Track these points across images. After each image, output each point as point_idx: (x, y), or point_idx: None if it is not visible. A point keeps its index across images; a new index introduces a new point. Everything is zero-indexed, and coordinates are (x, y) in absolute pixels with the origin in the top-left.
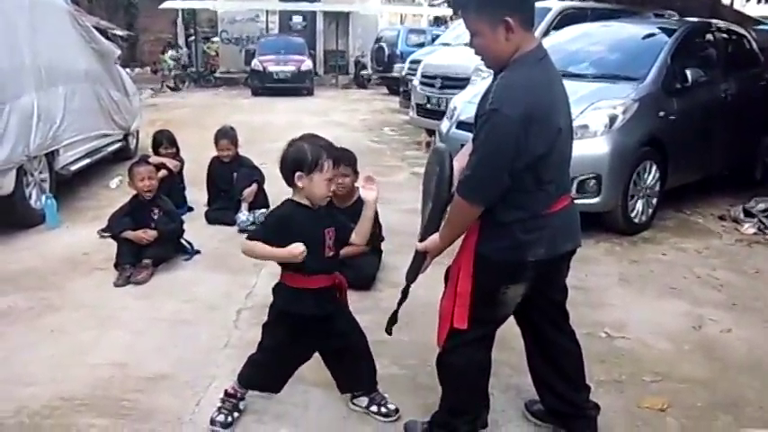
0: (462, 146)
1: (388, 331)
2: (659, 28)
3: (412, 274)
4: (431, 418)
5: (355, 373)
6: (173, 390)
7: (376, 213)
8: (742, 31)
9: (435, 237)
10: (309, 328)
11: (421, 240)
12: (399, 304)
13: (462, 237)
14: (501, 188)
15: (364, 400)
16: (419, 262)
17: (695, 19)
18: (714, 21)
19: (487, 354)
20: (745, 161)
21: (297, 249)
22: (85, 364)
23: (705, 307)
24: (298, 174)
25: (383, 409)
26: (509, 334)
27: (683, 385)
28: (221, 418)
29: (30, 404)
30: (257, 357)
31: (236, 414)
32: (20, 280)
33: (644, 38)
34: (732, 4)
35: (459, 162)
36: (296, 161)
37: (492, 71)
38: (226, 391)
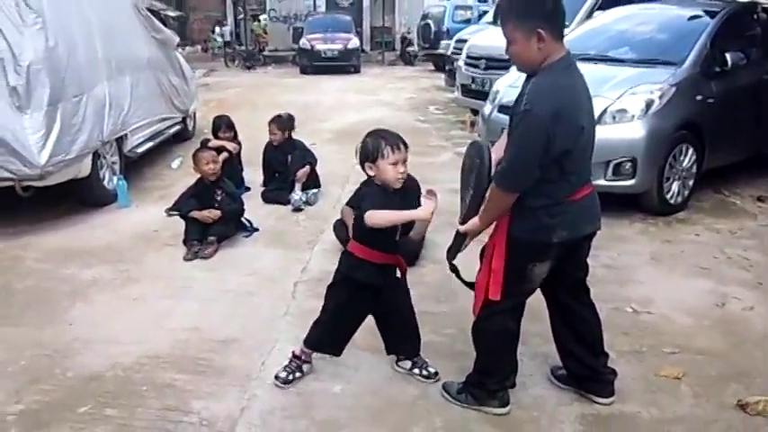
0: (503, 129)
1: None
2: (702, 10)
3: (452, 253)
4: (465, 378)
5: (401, 339)
6: (241, 352)
7: (420, 194)
8: None
9: (475, 220)
10: (366, 293)
11: (462, 223)
12: (458, 276)
13: (497, 220)
14: (532, 178)
15: (408, 364)
16: (460, 242)
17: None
18: (760, 1)
19: (517, 323)
20: None
21: (430, 208)
22: (165, 328)
23: (731, 286)
24: (367, 165)
25: (424, 372)
26: (541, 308)
27: (699, 357)
28: (283, 375)
29: (122, 361)
30: (320, 318)
31: (297, 374)
32: (101, 254)
33: (685, 21)
34: None
35: (496, 153)
36: (363, 155)
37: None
38: (293, 352)
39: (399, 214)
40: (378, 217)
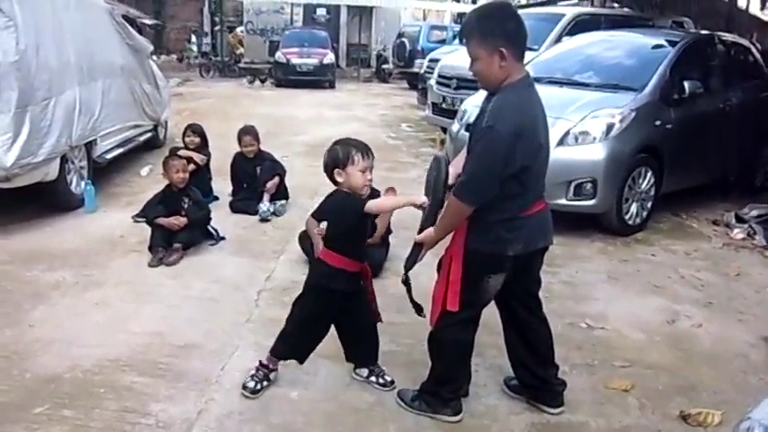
0: None
1: (422, 314)
2: (665, 39)
3: (409, 263)
4: (420, 386)
5: (362, 345)
6: (202, 356)
7: None
8: (746, 43)
9: (431, 230)
10: (337, 301)
11: (419, 233)
12: (409, 292)
13: (453, 233)
14: (492, 192)
15: (365, 371)
16: (416, 253)
17: (704, 31)
18: (719, 33)
19: (471, 334)
20: (745, 169)
21: (420, 198)
22: (127, 332)
23: (682, 304)
24: (336, 171)
25: (380, 380)
26: (497, 322)
27: (648, 371)
28: (251, 384)
29: (82, 363)
30: (288, 329)
31: (265, 383)
32: (66, 258)
33: (648, 49)
34: (748, 9)
35: (455, 168)
36: (332, 160)
37: (487, 92)
38: (260, 361)
39: (396, 199)
40: (378, 204)
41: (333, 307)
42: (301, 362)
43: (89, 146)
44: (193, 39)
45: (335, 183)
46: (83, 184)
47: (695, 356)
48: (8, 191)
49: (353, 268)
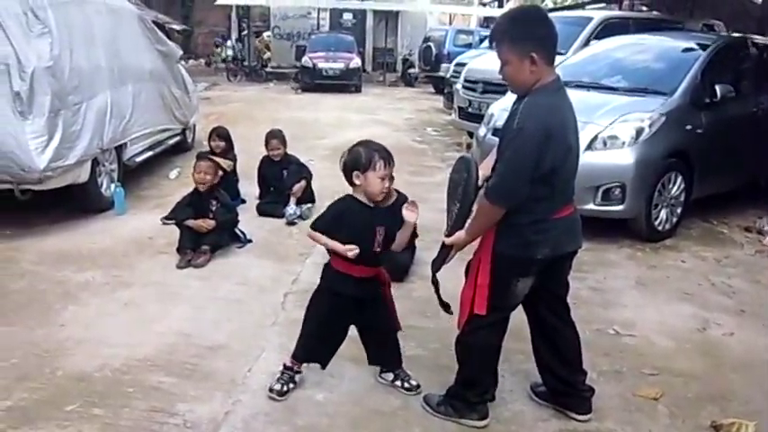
0: None
1: (450, 311)
2: (695, 42)
3: (437, 265)
4: (446, 390)
5: (380, 351)
6: (228, 357)
7: None
8: None
9: (461, 233)
10: (346, 305)
11: (448, 236)
12: (437, 292)
13: (482, 237)
14: (523, 194)
15: (390, 376)
16: (444, 254)
17: (736, 34)
18: (751, 36)
19: (499, 338)
20: None
21: (351, 251)
22: (155, 333)
23: (713, 312)
24: (355, 173)
25: (406, 384)
26: (524, 327)
27: (678, 378)
28: (278, 387)
29: (111, 362)
30: (303, 329)
31: (291, 385)
32: (95, 259)
33: (677, 52)
34: None
35: (483, 170)
36: (353, 162)
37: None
38: (284, 364)
39: (332, 244)
40: (314, 237)
41: (344, 311)
42: (323, 366)
43: (119, 149)
44: (229, 43)
45: (352, 184)
46: (113, 186)
47: (726, 365)
48: (40, 193)
49: (361, 273)
